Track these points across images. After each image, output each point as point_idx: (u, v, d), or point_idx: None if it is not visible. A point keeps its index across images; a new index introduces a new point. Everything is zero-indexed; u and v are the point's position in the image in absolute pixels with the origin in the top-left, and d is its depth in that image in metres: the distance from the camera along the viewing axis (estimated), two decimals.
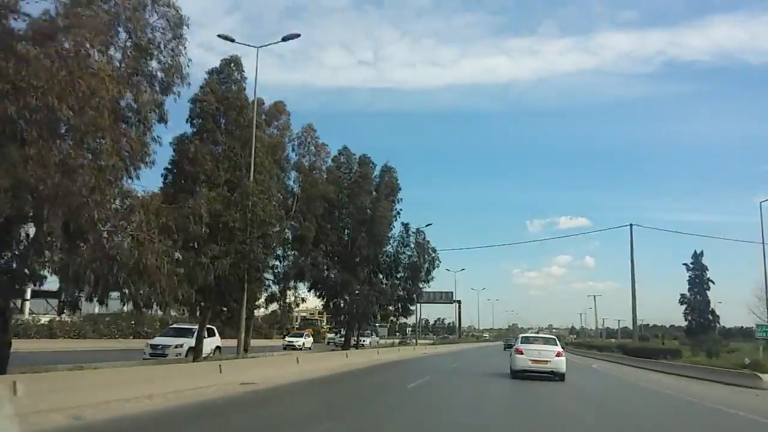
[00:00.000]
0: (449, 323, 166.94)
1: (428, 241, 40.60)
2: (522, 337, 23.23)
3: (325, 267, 35.89)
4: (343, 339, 39.65)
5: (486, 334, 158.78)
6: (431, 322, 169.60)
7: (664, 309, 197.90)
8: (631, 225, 51.10)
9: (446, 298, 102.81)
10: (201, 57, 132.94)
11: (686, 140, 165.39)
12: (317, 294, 37.23)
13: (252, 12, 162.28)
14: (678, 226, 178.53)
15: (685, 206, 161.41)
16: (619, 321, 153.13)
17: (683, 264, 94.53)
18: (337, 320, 39.67)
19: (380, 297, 36.35)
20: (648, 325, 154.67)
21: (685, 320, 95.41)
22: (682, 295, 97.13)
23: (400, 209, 39.18)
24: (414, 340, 69.63)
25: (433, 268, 40.76)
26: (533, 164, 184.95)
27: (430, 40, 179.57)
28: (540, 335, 28.44)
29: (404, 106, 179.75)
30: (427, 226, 44.00)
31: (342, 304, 36.84)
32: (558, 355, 19.66)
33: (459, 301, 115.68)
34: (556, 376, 19.57)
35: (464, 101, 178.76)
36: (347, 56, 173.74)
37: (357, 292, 36.25)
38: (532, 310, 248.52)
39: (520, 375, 19.53)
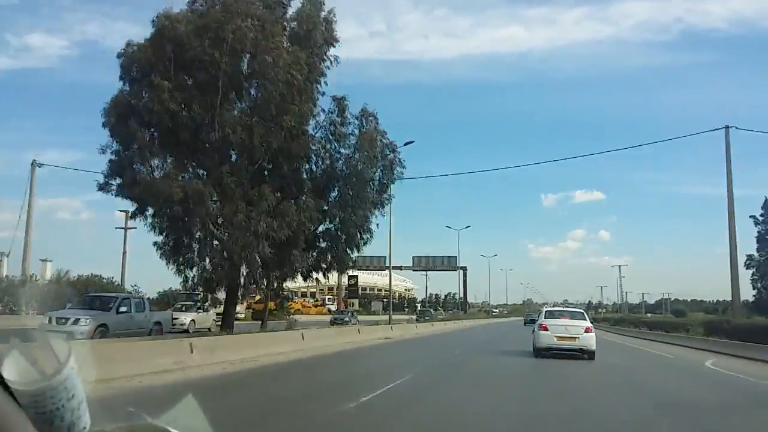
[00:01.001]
0: (460, 298, 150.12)
1: (385, 132, 21.99)
2: (546, 311, 20.71)
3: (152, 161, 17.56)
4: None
5: (496, 310, 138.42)
6: (442, 296, 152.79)
7: (708, 281, 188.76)
8: (727, 127, 32.51)
9: (448, 263, 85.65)
10: None
11: (705, 111, 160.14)
12: (152, 223, 18.83)
13: None
14: (697, 199, 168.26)
15: (705, 179, 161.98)
16: (642, 294, 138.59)
17: (750, 217, 75.69)
18: (185, 276, 20.11)
19: (275, 227, 17.83)
20: (673, 299, 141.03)
21: (753, 288, 77.09)
22: (749, 257, 78.06)
23: (327, 66, 20.74)
24: (348, 314, 47.85)
25: (393, 182, 22.39)
26: (549, 136, 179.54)
27: (443, 10, 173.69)
28: (566, 309, 25.23)
29: (418, 77, 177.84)
30: (407, 144, 28.93)
31: (219, 240, 18.53)
32: (587, 330, 17.93)
33: (464, 268, 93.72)
34: (584, 354, 17.81)
35: (479, 72, 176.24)
36: (360, 27, 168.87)
37: (243, 220, 18.01)
38: (546, 284, 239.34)
39: (544, 353, 17.78)
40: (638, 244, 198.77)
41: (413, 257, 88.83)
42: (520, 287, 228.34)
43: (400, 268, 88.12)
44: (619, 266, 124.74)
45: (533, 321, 43.33)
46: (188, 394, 1.42)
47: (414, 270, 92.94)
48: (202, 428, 1.46)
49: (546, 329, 17.98)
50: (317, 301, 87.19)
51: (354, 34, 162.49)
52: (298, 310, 60.54)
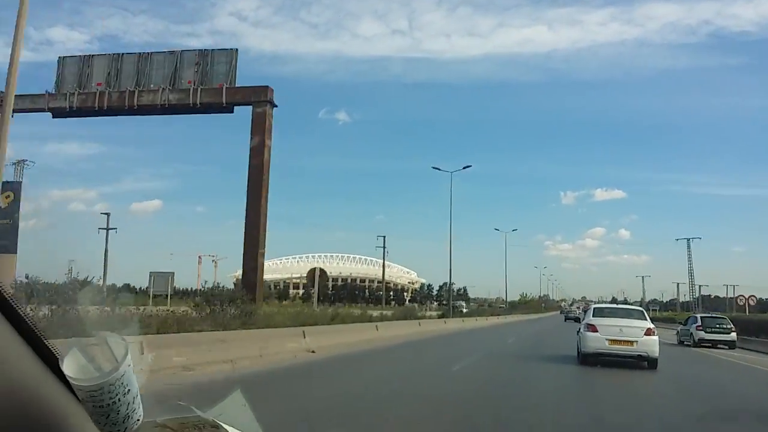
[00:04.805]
0: (459, 289, 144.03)
1: None
2: (595, 308, 19.58)
3: None
4: None
5: (464, 303, 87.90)
6: (435, 287, 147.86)
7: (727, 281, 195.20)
8: None
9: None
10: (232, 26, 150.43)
11: (731, 114, 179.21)
12: None
13: None
14: (719, 200, 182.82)
15: (729, 180, 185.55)
16: (678, 284, 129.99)
17: None
18: None
19: None
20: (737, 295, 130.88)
21: None
22: None
23: None
24: None
25: None
26: (570, 136, 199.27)
27: (466, 9, 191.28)
28: (621, 306, 24.08)
29: (440, 76, 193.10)
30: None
31: None
32: (648, 333, 16.46)
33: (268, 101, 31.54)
34: (644, 362, 16.46)
35: (501, 72, 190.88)
36: (381, 25, 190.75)
37: None
38: (563, 282, 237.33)
39: (592, 360, 16.49)
40: (660, 243, 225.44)
41: None
42: (531, 280, 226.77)
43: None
44: (688, 239, 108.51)
45: (576, 319, 41.60)
46: (237, 388, 1.61)
47: None
48: (250, 422, 1.63)
49: (595, 330, 16.72)
50: None
51: (375, 32, 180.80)
52: None
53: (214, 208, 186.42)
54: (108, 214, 63.59)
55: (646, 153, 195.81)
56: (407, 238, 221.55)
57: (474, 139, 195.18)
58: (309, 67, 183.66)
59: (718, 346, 28.60)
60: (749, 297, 54.58)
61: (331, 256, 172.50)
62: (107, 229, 61.26)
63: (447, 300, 58.48)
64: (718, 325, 29.37)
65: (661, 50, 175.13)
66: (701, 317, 30.83)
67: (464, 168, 50.70)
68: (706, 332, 29.00)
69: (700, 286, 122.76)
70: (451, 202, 48.19)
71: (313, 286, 25.06)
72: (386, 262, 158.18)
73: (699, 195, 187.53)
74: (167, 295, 42.26)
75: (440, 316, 48.98)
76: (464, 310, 66.36)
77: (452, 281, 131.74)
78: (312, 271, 25.47)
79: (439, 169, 49.56)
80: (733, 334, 29.02)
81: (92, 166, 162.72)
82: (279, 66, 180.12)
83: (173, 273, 47.24)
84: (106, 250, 58.08)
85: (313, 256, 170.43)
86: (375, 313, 32.41)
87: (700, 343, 28.84)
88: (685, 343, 30.86)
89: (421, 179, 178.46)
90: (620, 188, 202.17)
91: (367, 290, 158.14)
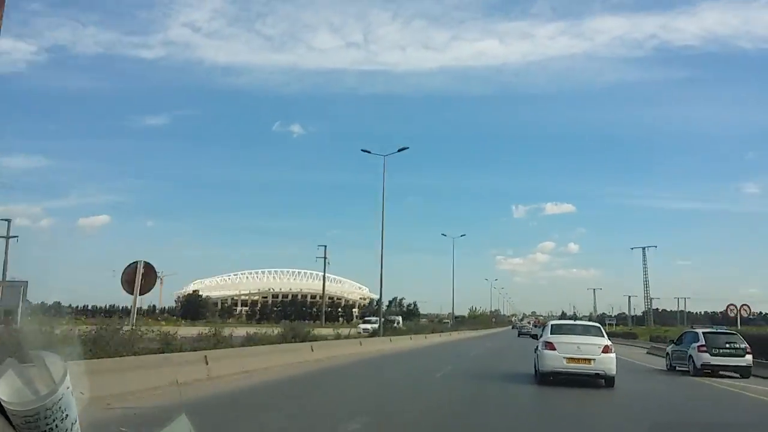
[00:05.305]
0: (410, 304, 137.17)
1: None
2: (552, 324, 18.44)
3: None
4: None
5: (400, 319, 73.56)
6: (385, 302, 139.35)
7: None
8: None
9: None
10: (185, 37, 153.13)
11: (676, 127, 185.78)
12: None
13: None
14: (665, 213, 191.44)
15: (675, 194, 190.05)
16: (629, 298, 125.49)
17: None
18: None
19: None
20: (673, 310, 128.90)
21: None
22: None
23: None
24: None
25: None
26: (522, 149, 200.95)
27: (421, 22, 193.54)
28: (578, 323, 21.99)
29: (394, 89, 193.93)
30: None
31: None
32: (605, 350, 16.13)
33: None
34: (602, 380, 16.14)
35: (455, 84, 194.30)
36: (336, 38, 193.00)
37: None
38: (513, 296, 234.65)
39: (550, 379, 16.13)
40: (607, 256, 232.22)
41: None
42: (482, 295, 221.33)
43: None
44: (643, 248, 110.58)
45: (531, 335, 40.27)
46: (182, 413, 1.51)
47: None
48: None
49: (553, 348, 16.20)
50: None
51: (330, 44, 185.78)
52: None
53: (164, 223, 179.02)
54: (9, 221, 56.33)
55: (595, 166, 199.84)
56: (361, 253, 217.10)
57: (427, 152, 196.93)
58: (264, 78, 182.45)
59: (721, 372, 21.29)
60: (741, 306, 45.66)
61: (282, 271, 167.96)
62: (7, 238, 54.30)
63: (378, 315, 50.18)
64: (728, 345, 21.68)
65: (610, 64, 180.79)
66: (704, 333, 22.48)
67: (399, 150, 43.23)
68: (712, 354, 21.03)
69: (651, 298, 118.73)
70: (383, 191, 41.28)
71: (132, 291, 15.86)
72: (338, 278, 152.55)
73: (645, 208, 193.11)
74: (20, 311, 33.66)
75: (371, 335, 40.86)
76: (399, 326, 57.96)
77: (403, 297, 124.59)
78: (132, 266, 16.21)
79: (370, 152, 44.01)
80: (749, 357, 21.50)
81: (37, 180, 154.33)
82: (233, 77, 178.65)
83: (26, 282, 38.24)
84: (5, 261, 51.14)
85: (262, 272, 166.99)
86: (240, 331, 22.63)
87: (703, 370, 21.11)
88: (679, 368, 23.12)
89: (375, 193, 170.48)
90: (570, 202, 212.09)
91: (315, 306, 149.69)
